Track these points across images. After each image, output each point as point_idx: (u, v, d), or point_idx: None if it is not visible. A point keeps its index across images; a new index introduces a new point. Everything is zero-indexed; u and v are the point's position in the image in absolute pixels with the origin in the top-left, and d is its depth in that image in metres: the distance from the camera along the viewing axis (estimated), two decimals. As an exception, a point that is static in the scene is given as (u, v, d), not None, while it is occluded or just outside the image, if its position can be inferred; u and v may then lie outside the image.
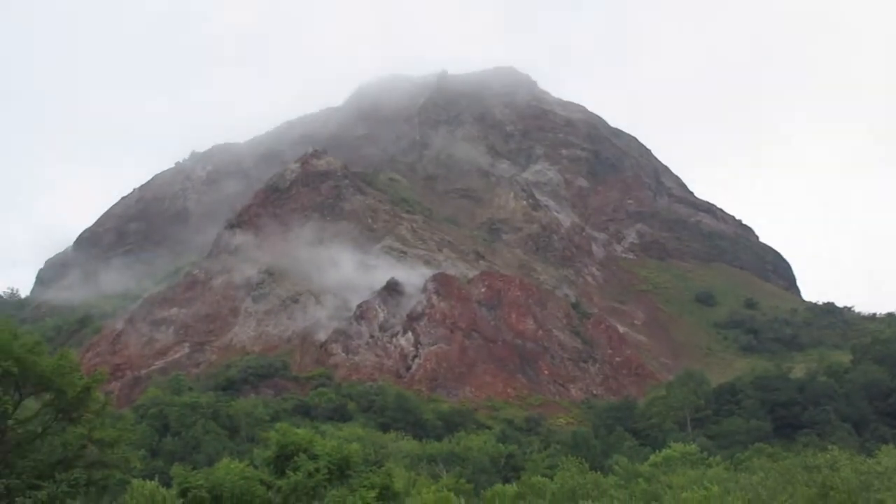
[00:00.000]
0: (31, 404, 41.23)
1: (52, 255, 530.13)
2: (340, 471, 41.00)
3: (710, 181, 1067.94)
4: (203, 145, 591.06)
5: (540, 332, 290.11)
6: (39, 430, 39.87)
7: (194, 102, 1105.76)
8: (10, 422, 37.61)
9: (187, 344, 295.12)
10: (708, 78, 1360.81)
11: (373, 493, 38.53)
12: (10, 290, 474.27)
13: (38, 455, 37.32)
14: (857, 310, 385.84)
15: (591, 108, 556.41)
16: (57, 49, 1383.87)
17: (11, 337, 39.38)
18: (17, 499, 34.70)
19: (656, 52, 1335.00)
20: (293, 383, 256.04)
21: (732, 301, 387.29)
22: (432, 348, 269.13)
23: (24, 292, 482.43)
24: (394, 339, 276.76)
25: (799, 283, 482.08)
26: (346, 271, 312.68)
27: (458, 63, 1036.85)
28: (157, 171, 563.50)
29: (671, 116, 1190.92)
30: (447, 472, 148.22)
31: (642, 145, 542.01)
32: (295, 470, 40.04)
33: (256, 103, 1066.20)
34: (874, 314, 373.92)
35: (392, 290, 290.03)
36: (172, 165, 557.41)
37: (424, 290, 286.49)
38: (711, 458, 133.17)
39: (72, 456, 38.59)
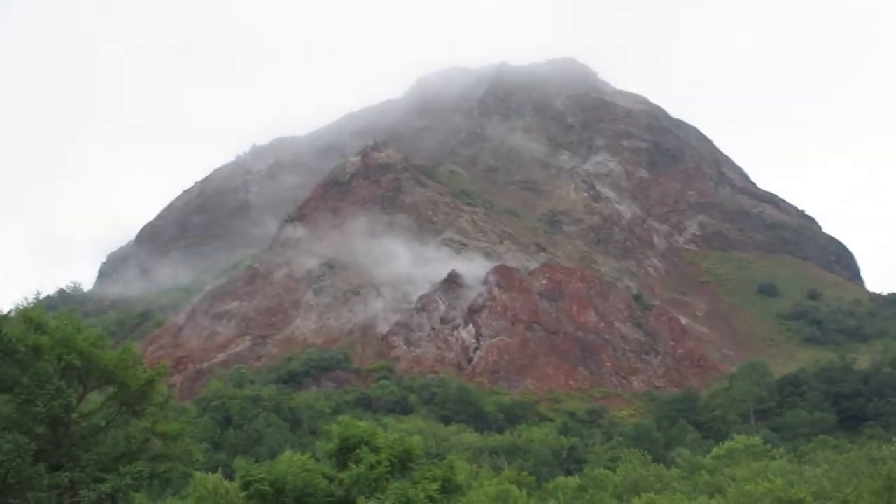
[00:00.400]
0: (94, 398, 41.52)
1: (114, 249, 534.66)
2: (402, 463, 40.97)
3: (772, 171, 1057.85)
4: (263, 139, 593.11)
5: (601, 324, 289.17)
6: (103, 423, 40.14)
7: (255, 96, 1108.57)
8: (74, 415, 37.90)
9: (249, 337, 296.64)
10: (770, 67, 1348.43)
11: (435, 486, 38.43)
12: (73, 285, 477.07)
13: (102, 448, 37.57)
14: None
15: (651, 99, 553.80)
16: (117, 43, 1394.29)
17: (75, 331, 39.67)
18: (81, 491, 34.94)
19: (717, 41, 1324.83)
20: (354, 376, 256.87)
21: (795, 292, 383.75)
22: (494, 341, 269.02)
23: (87, 286, 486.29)
24: (455, 332, 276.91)
25: (863, 274, 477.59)
26: (406, 264, 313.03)
27: (517, 55, 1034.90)
28: (218, 165, 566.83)
29: (733, 106, 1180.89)
30: (509, 464, 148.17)
31: (703, 135, 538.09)
32: (357, 462, 40.03)
33: (317, 97, 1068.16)
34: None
35: (453, 282, 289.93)
36: (233, 159, 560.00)
37: (485, 282, 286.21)
38: (775, 451, 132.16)
39: (135, 449, 38.83)
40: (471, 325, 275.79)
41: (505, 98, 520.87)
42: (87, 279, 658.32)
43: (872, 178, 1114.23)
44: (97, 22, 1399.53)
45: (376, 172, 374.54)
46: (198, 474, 75.15)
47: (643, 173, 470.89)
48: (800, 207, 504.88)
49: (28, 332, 38.03)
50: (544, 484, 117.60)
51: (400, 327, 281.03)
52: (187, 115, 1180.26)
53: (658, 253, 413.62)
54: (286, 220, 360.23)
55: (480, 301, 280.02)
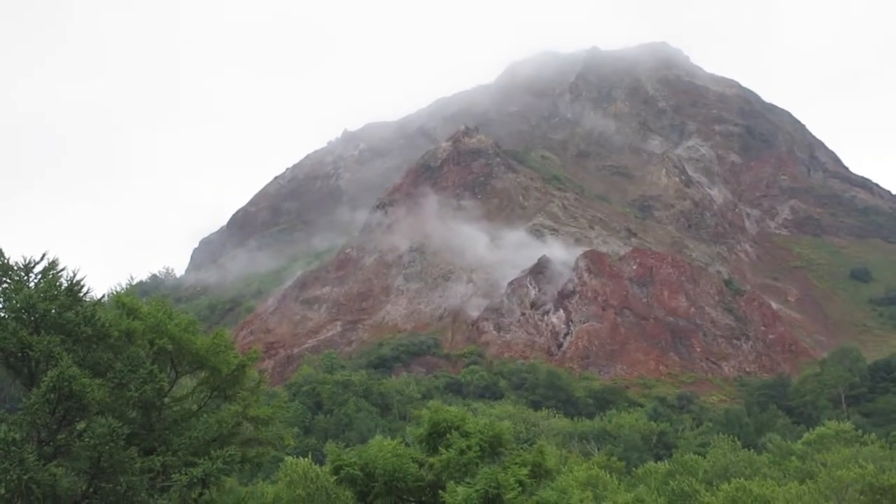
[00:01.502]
0: (186, 382, 41.82)
1: (206, 234, 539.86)
2: (492, 448, 40.78)
3: (866, 155, 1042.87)
4: (355, 125, 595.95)
5: (692, 309, 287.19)
6: (195, 407, 40.38)
7: (347, 83, 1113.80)
8: (166, 399, 38.14)
9: (339, 322, 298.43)
10: (864, 50, 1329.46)
11: (524, 471, 38.18)
12: (165, 270, 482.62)
13: (194, 432, 37.76)
14: None
15: (744, 83, 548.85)
16: (212, 31, 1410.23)
17: (166, 316, 39.91)
18: (173, 475, 35.18)
19: (811, 24, 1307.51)
20: (444, 361, 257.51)
21: (889, 277, 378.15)
22: (584, 326, 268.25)
23: (179, 272, 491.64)
24: (545, 317, 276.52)
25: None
26: (496, 249, 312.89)
27: (609, 38, 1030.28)
28: (310, 151, 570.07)
29: (826, 90, 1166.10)
30: (599, 449, 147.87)
31: (796, 120, 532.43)
32: (447, 447, 39.89)
33: (408, 83, 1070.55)
34: None
35: (543, 267, 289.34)
36: (324, 145, 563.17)
37: (576, 267, 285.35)
38: (866, 436, 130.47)
39: (227, 433, 38.99)
40: (561, 311, 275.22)
41: (596, 83, 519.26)
42: (179, 265, 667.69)
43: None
44: (193, 10, 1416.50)
45: (467, 158, 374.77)
46: (288, 458, 75.69)
47: (735, 158, 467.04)
48: (893, 192, 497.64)
49: (121, 318, 38.35)
50: (634, 469, 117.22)
51: (490, 312, 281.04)
52: (281, 102, 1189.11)
53: (749, 238, 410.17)
54: (376, 206, 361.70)
55: (571, 286, 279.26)
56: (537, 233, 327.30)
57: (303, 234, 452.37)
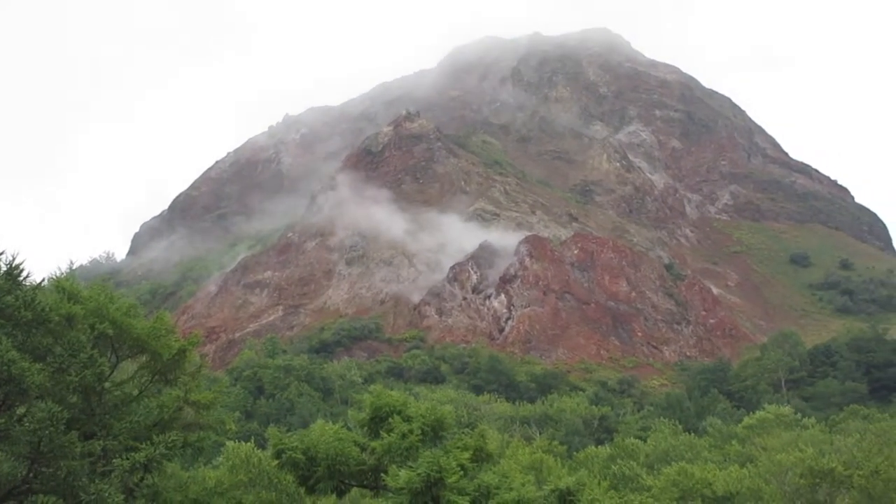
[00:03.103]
0: (127, 367, 41.55)
1: (147, 218, 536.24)
2: (434, 432, 40.80)
3: (805, 141, 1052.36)
4: (297, 109, 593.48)
5: (633, 293, 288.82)
6: (135, 392, 40.17)
7: (288, 68, 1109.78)
8: (107, 384, 37.91)
9: (281, 307, 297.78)
10: (801, 34, 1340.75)
11: (466, 455, 38.25)
12: (105, 254, 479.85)
13: (135, 417, 37.60)
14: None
15: (684, 69, 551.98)
16: (150, 16, 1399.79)
17: (107, 300, 39.63)
18: (114, 460, 35.02)
19: (749, 8, 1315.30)
20: (386, 346, 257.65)
21: (828, 262, 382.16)
22: (525, 311, 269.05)
23: (120, 256, 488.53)
24: (487, 302, 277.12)
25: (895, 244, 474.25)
26: (438, 234, 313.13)
27: (551, 24, 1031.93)
28: (252, 135, 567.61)
29: (765, 75, 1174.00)
30: (540, 433, 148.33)
31: (736, 105, 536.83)
32: (388, 432, 39.89)
33: (350, 67, 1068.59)
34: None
35: (485, 252, 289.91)
36: (266, 129, 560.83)
37: (517, 252, 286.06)
38: (806, 420, 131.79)
39: (168, 418, 38.86)
40: (502, 295, 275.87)
41: (538, 68, 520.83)
42: (120, 250, 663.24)
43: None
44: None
45: (408, 142, 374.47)
46: (230, 443, 75.45)
47: (676, 143, 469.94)
48: (832, 177, 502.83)
49: (61, 302, 38.02)
50: (575, 454, 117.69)
51: (432, 297, 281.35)
52: (223, 86, 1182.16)
53: (690, 223, 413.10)
54: (319, 191, 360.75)
55: (512, 271, 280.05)
56: (479, 218, 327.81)
57: (244, 218, 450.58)
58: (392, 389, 52.05)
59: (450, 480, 35.87)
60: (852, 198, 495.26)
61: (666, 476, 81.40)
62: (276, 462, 41.40)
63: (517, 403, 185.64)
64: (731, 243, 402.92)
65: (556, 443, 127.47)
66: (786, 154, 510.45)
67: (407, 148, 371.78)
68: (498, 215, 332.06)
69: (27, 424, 31.88)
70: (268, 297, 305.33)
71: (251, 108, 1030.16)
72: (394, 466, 37.45)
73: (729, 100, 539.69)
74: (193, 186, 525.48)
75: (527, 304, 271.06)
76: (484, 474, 37.75)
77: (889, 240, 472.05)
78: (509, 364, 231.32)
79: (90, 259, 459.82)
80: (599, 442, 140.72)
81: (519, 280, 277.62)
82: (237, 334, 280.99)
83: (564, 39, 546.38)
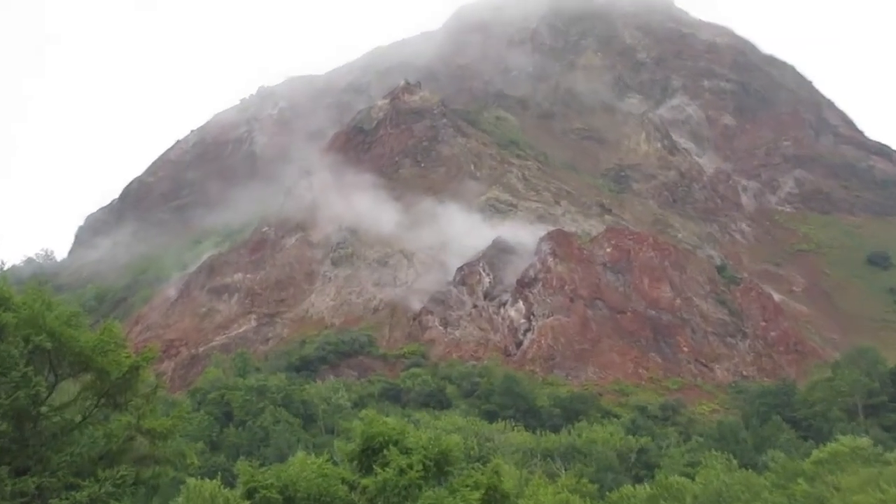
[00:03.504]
0: (68, 387, 41.36)
1: (93, 210, 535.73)
2: (438, 467, 40.73)
3: (885, 118, 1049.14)
4: (274, 79, 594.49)
5: (678, 300, 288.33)
6: (78, 418, 39.98)
7: (265, 28, 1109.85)
8: (43, 408, 37.70)
9: (254, 316, 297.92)
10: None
11: (477, 495, 38.22)
12: (44, 252, 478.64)
13: (77, 448, 37.40)
14: None
15: (738, 31, 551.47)
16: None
17: (44, 307, 39.43)
18: (50, 500, 34.84)
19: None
20: (381, 363, 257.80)
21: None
22: (548, 321, 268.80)
23: (61, 254, 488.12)
24: (501, 310, 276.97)
25: None
26: (443, 228, 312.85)
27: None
28: (220, 110, 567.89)
29: (837, 41, 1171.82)
30: (566, 469, 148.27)
31: (801, 75, 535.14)
32: (383, 466, 39.84)
33: (338, 29, 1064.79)
34: None
35: (499, 250, 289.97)
36: (237, 103, 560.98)
37: (538, 251, 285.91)
38: (888, 455, 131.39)
39: (117, 449, 38.65)
40: (520, 302, 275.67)
41: (562, 30, 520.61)
42: (61, 248, 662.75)
43: None
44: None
45: (408, 119, 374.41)
46: (191, 480, 75.42)
47: (728, 120, 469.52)
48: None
49: (-12, 309, 37.92)
50: (608, 494, 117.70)
51: (436, 304, 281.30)
52: (184, 52, 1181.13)
53: (746, 215, 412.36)
54: (301, 176, 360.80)
55: (532, 273, 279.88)
56: (492, 209, 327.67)
57: (210, 209, 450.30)
58: (387, 415, 51.92)
59: (458, 526, 35.81)
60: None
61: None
62: (247, 503, 41.26)
63: (538, 433, 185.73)
64: (796, 240, 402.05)
65: (585, 480, 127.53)
66: (861, 133, 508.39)
67: (406, 125, 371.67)
68: (515, 206, 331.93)
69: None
70: (238, 303, 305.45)
71: (219, 77, 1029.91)
72: (390, 509, 37.34)
73: (792, 68, 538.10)
74: (149, 172, 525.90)
75: (550, 312, 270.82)
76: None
77: None
78: (529, 385, 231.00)
79: (24, 258, 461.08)
80: (638, 480, 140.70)
81: (540, 284, 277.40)
82: (201, 349, 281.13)
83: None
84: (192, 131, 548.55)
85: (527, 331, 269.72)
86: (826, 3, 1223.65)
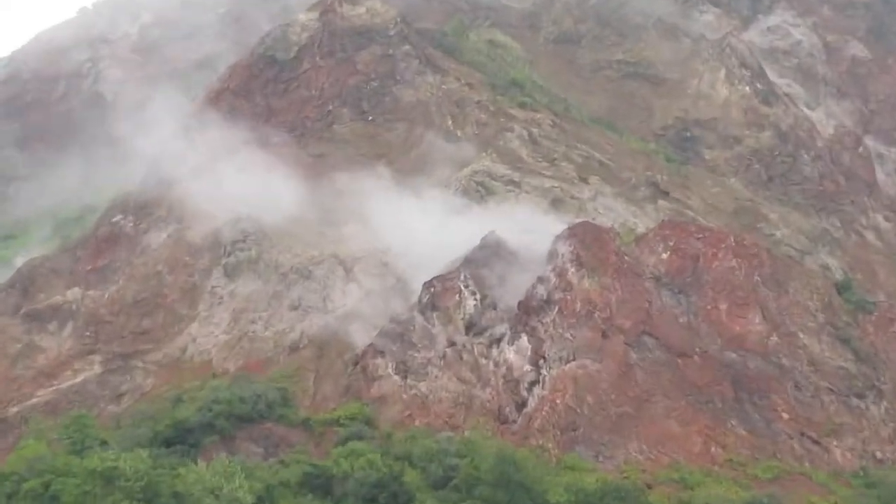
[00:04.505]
0: None
1: None
2: None
3: None
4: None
5: (774, 337, 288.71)
6: None
7: None
8: None
9: (99, 357, 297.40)
10: None
11: None
12: None
13: None
14: None
15: None
16: None
17: None
18: None
19: None
20: (301, 433, 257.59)
21: None
22: (567, 368, 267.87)
23: None
24: (494, 351, 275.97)
25: None
26: (402, 220, 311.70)
27: None
28: (45, 27, 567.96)
29: None
30: None
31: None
32: None
33: None
34: None
35: (491, 255, 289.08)
36: (73, 16, 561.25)
37: (553, 255, 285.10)
38: None
39: None
40: (524, 339, 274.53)
41: None
42: None
43: None
44: None
45: (348, 44, 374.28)
46: None
47: (858, 50, 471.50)
48: None
49: None
50: None
51: (389, 341, 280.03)
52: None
53: (885, 202, 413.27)
54: (174, 136, 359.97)
55: (544, 292, 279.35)
56: (481, 189, 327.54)
57: (28, 186, 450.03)
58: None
59: None
60: None
61: None
62: None
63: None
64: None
65: None
66: None
67: (344, 55, 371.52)
68: (517, 185, 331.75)
69: None
70: (73, 337, 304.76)
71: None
72: None
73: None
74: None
75: (571, 355, 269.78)
76: None
77: None
78: (536, 470, 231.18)
79: None
80: None
81: (556, 309, 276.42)
82: (13, 408, 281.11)
83: None
84: (1, 58, 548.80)
85: (534, 384, 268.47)
86: None
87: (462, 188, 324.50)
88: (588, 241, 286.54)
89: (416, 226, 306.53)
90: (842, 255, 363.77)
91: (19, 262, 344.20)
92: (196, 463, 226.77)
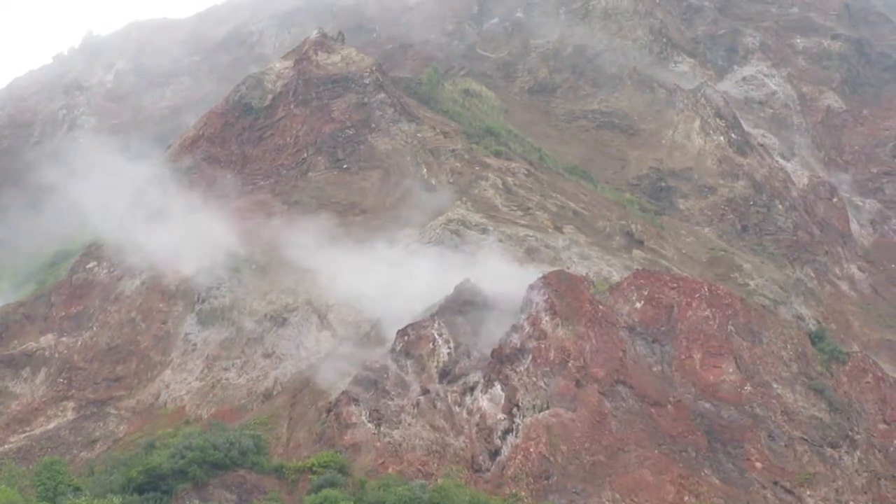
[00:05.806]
0: None
1: None
2: None
3: None
4: (106, 26, 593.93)
5: (748, 387, 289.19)
6: None
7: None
8: None
9: (72, 403, 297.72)
10: None
11: None
12: None
13: None
14: None
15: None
16: None
17: None
18: None
19: None
20: (274, 480, 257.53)
21: None
22: (541, 416, 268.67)
23: None
24: (468, 399, 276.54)
25: None
26: (376, 267, 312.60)
27: None
28: (22, 72, 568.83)
29: None
30: None
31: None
32: None
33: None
34: None
35: (465, 303, 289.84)
36: (49, 62, 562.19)
37: (527, 304, 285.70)
38: None
39: None
40: (498, 387, 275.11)
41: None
42: None
43: None
44: None
45: (323, 92, 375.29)
46: None
47: (832, 100, 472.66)
48: None
49: None
50: None
51: (363, 388, 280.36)
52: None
53: (859, 252, 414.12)
54: (148, 183, 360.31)
55: (517, 340, 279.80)
56: (455, 237, 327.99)
57: (1, 228, 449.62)
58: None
59: None
60: None
61: None
62: None
63: None
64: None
65: None
66: None
67: (320, 103, 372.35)
68: (492, 233, 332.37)
69: None
70: (46, 383, 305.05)
71: (23, 20, 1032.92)
72: None
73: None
74: None
75: (544, 403, 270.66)
76: None
77: None
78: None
79: None
80: None
81: (530, 357, 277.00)
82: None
83: None
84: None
85: (507, 432, 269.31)
86: None
87: (436, 236, 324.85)
88: (562, 289, 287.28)
89: (391, 273, 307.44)
90: (816, 305, 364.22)
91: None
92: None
